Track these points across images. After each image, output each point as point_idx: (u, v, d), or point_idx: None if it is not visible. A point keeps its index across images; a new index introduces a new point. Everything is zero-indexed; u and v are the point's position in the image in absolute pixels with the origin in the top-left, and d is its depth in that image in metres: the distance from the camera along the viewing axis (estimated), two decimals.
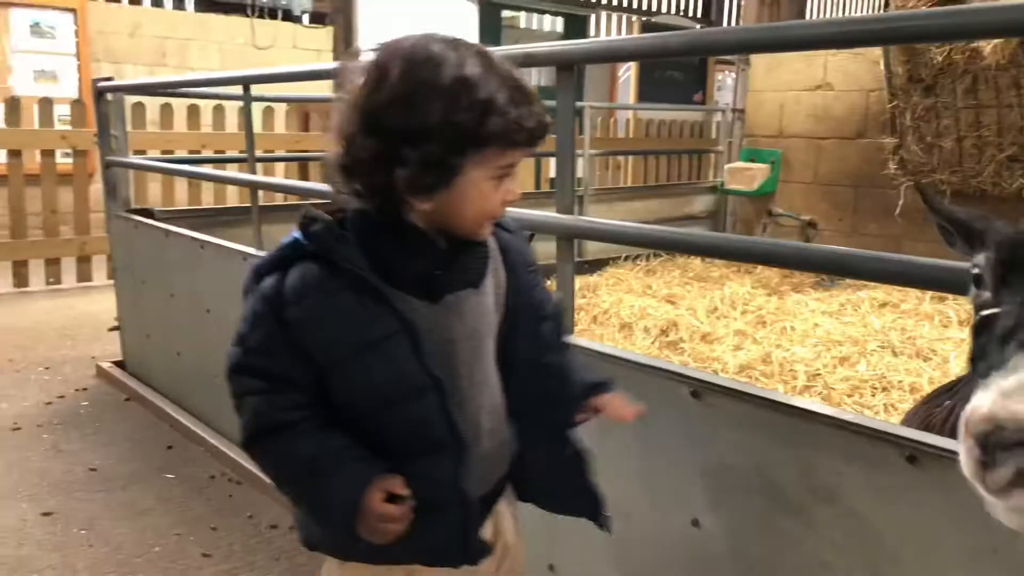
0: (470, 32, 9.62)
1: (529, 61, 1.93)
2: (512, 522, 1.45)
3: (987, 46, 4.71)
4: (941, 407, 1.64)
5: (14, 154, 5.81)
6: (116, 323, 4.28)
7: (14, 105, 5.83)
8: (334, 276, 1.16)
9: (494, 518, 1.38)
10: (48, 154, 5.97)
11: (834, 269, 1.49)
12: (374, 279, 1.17)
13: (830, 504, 1.39)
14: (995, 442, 0.73)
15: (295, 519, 1.35)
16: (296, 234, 1.20)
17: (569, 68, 1.84)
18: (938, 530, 1.25)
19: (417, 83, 1.10)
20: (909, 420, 1.77)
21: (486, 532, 1.33)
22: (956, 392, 1.65)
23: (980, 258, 1.01)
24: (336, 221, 1.20)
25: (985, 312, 0.95)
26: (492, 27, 10.15)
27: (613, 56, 1.80)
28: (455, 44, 1.15)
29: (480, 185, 1.16)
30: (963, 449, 0.77)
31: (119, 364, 4.18)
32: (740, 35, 1.50)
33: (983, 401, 0.75)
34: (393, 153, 1.11)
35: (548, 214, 1.93)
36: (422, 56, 1.12)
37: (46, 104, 5.97)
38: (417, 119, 1.10)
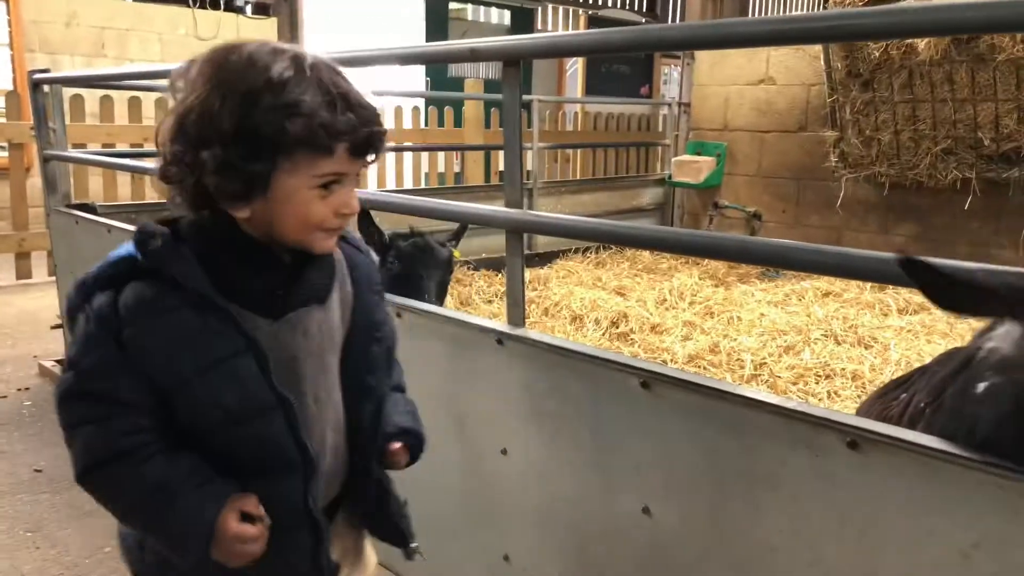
0: (417, 24, 9.57)
1: (475, 56, 1.94)
2: (355, 535, 1.41)
3: (922, 43, 4.86)
4: (897, 400, 1.69)
5: None
6: (59, 321, 4.17)
7: None
8: (172, 293, 1.11)
9: (337, 532, 1.33)
10: None
11: (776, 262, 1.53)
12: (214, 296, 1.12)
13: (775, 490, 1.43)
14: None
15: (120, 540, 1.28)
16: (127, 248, 1.14)
17: (515, 63, 1.85)
18: (878, 514, 1.30)
19: (217, 87, 1.07)
20: (865, 413, 1.82)
21: (333, 551, 1.29)
22: (911, 385, 1.70)
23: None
24: (170, 231, 1.15)
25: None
26: (439, 19, 10.11)
27: (557, 52, 1.81)
28: (276, 50, 1.10)
29: (298, 194, 1.12)
30: None
31: (62, 363, 4.08)
32: (683, 32, 1.53)
33: None
34: (195, 159, 1.08)
35: (497, 208, 1.94)
36: (234, 61, 1.09)
37: None
38: (213, 123, 1.06)
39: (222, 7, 8.37)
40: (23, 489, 2.90)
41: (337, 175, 1.13)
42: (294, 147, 1.08)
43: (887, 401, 1.75)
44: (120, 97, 6.31)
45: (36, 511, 2.75)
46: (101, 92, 6.21)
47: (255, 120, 1.06)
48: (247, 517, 1.13)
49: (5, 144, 5.92)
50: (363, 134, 1.12)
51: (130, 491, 1.13)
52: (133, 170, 5.57)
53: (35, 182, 5.94)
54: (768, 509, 1.45)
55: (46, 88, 3.82)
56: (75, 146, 5.22)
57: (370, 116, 1.13)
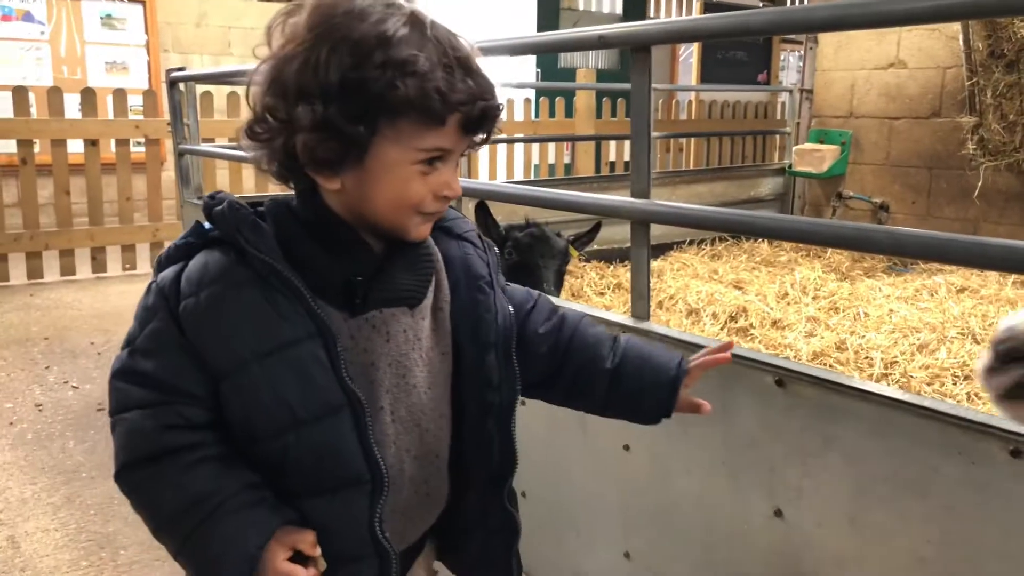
0: (528, 15, 9.57)
1: (603, 43, 1.90)
2: None
3: None
4: None
5: (91, 143, 5.99)
6: None
7: (89, 96, 6.00)
8: (239, 267, 0.99)
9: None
10: (123, 143, 6.14)
11: (928, 255, 1.43)
12: (288, 272, 0.99)
13: (923, 498, 1.34)
14: (1005, 351, 0.77)
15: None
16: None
17: (645, 49, 1.80)
18: None
19: (325, 36, 0.95)
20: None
21: None
22: None
23: None
24: (254, 212, 1.04)
25: None
26: (551, 10, 10.07)
27: (691, 36, 1.75)
28: (391, 5, 0.98)
29: (398, 168, 0.99)
30: (983, 355, 0.81)
31: None
32: (829, 12, 1.44)
33: (1017, 315, 0.79)
34: (290, 113, 0.96)
35: (623, 198, 1.90)
36: (345, 11, 0.96)
37: (120, 95, 6.13)
38: (315, 74, 0.94)
39: None
40: None
41: (443, 151, 1.01)
42: (402, 110, 0.95)
43: None
44: (246, 93, 6.58)
45: None
46: (228, 89, 6.49)
47: (364, 74, 0.93)
48: (299, 557, 0.99)
49: (142, 140, 6.28)
50: (480, 107, 0.99)
51: (166, 501, 0.99)
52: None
53: (168, 175, 6.28)
54: (915, 518, 1.36)
55: (181, 86, 4.02)
56: (204, 141, 5.49)
57: (490, 88, 1.01)
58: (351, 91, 0.94)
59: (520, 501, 2.15)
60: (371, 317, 1.05)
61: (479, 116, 1.00)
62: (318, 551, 1.00)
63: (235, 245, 1.00)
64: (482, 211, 2.90)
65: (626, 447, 1.84)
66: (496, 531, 1.23)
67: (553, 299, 2.29)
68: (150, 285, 1.05)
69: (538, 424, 2.07)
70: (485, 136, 1.05)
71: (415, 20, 0.98)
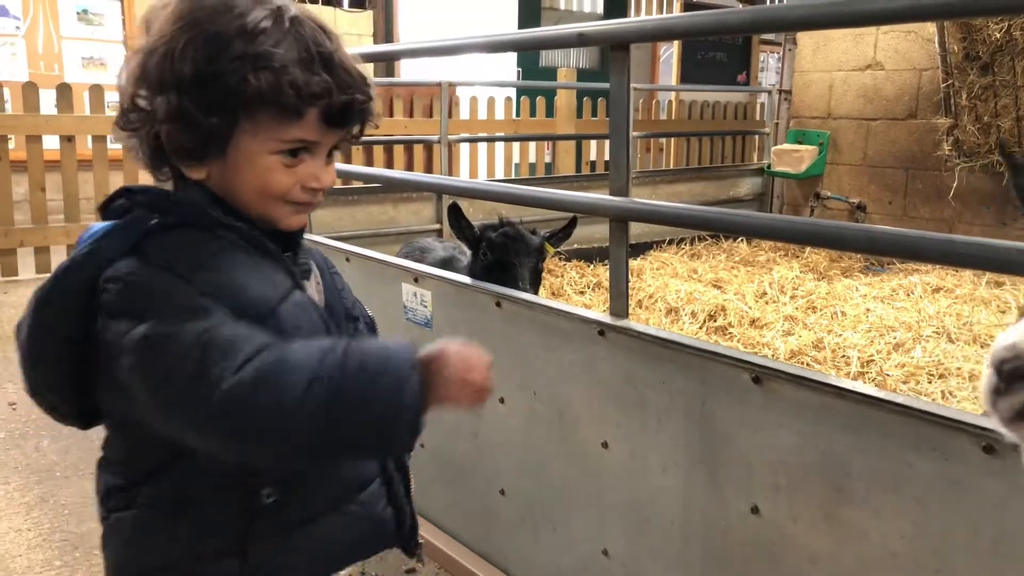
0: (509, 14, 9.57)
1: (583, 41, 1.90)
2: None
3: None
4: None
5: (67, 140, 5.91)
6: None
7: (65, 92, 5.92)
8: (212, 240, 1.01)
9: None
10: (100, 139, 6.06)
11: (902, 253, 1.44)
12: (260, 235, 1.04)
13: (897, 493, 1.35)
14: (1010, 370, 0.74)
15: None
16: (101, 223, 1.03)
17: (624, 48, 1.80)
18: (1017, 523, 1.22)
19: (185, 28, 0.97)
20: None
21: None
22: None
23: None
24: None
25: None
26: (532, 9, 10.07)
27: (669, 34, 1.76)
28: (258, 0, 1.00)
29: (259, 159, 1.01)
30: (984, 376, 0.78)
31: None
32: (805, 11, 1.45)
33: (1012, 332, 0.76)
34: (151, 104, 0.98)
35: (601, 196, 1.91)
36: (209, 3, 0.98)
37: (97, 91, 6.06)
38: (174, 66, 0.96)
39: (320, 1, 8.56)
40: None
41: (305, 143, 1.03)
42: (257, 104, 0.97)
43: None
44: None
45: None
46: (121, 82, 6.41)
47: (219, 67, 0.96)
48: None
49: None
50: (340, 100, 1.01)
51: (298, 366, 0.91)
52: None
53: (145, 172, 6.20)
54: (888, 513, 1.37)
55: None
56: None
57: (352, 82, 1.03)
58: (206, 83, 0.96)
59: (498, 498, 2.16)
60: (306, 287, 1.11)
61: (341, 109, 1.02)
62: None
63: (198, 223, 1.01)
64: (454, 213, 2.89)
65: (604, 444, 1.85)
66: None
67: (531, 296, 2.29)
68: (123, 286, 0.96)
69: (516, 421, 2.07)
70: (360, 128, 1.08)
71: (278, 15, 1.00)
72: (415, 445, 0.96)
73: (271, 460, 0.99)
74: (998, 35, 4.86)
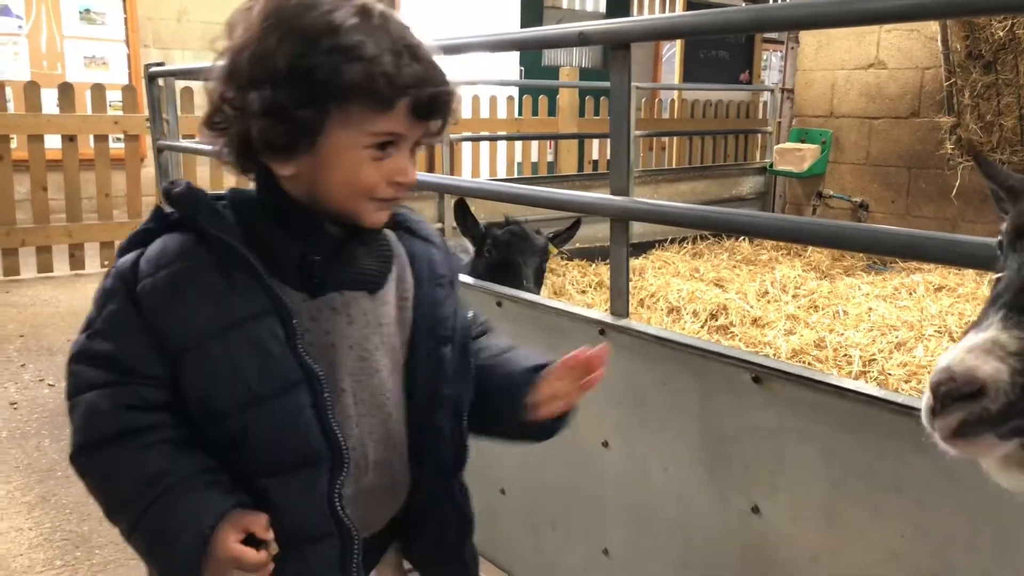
0: (511, 13, 9.56)
1: (583, 40, 1.90)
2: None
3: None
4: None
5: (69, 139, 5.92)
6: None
7: (67, 91, 5.93)
8: (198, 249, 1.02)
9: (381, 573, 1.22)
10: (101, 139, 6.07)
11: (905, 252, 1.44)
12: (243, 249, 1.02)
13: (897, 493, 1.35)
14: (944, 393, 0.76)
15: None
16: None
17: (625, 47, 1.80)
18: (1017, 522, 1.21)
19: (275, 26, 0.99)
20: None
21: None
22: None
23: (1003, 224, 0.99)
24: (216, 199, 1.07)
25: (995, 276, 0.95)
26: (534, 7, 10.06)
27: (672, 33, 1.76)
28: None
29: (349, 153, 1.01)
30: (924, 397, 0.80)
31: None
32: (809, 9, 1.45)
33: (948, 355, 0.78)
34: (243, 101, 0.99)
35: (602, 195, 1.91)
36: (296, 3, 1.00)
37: (98, 90, 6.07)
38: (267, 62, 0.98)
39: None
40: None
41: (394, 135, 1.03)
42: (349, 95, 0.98)
43: None
44: None
45: None
46: (210, 85, 6.42)
47: (311, 60, 0.97)
48: (252, 540, 0.97)
49: (121, 136, 6.22)
50: (429, 92, 1.01)
51: (121, 480, 0.99)
52: None
53: (148, 172, 6.22)
54: (889, 512, 1.37)
55: (161, 81, 3.98)
56: (184, 137, 5.44)
57: (440, 75, 1.04)
58: (299, 77, 0.97)
59: (499, 498, 2.15)
60: (331, 299, 1.07)
61: (429, 100, 1.02)
62: (271, 534, 0.99)
63: (194, 226, 1.03)
64: (461, 209, 2.90)
65: (605, 444, 1.85)
66: (449, 523, 1.24)
67: (531, 296, 2.29)
68: (110, 270, 1.06)
69: None
70: (442, 124, 1.07)
71: (364, 10, 1.01)
72: None
73: None
74: (1001, 33, 4.85)
